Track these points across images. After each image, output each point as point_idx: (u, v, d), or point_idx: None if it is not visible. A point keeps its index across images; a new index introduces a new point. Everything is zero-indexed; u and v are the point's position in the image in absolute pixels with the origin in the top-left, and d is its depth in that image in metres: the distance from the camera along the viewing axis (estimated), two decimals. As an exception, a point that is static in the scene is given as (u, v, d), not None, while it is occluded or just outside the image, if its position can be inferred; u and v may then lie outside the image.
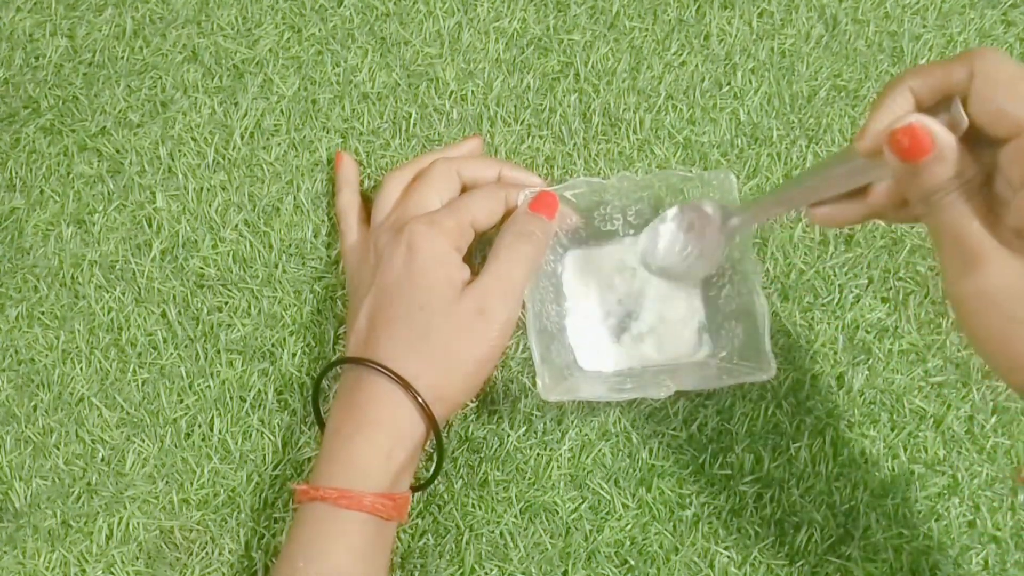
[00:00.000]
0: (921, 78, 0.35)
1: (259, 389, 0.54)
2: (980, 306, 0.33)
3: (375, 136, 0.58)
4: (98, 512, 0.52)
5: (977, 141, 0.34)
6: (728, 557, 0.50)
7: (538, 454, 0.52)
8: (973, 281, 0.33)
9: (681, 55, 0.59)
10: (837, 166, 0.39)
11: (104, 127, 0.59)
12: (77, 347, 0.55)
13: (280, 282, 0.55)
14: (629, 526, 0.51)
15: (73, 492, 0.52)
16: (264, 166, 0.57)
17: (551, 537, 0.51)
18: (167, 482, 0.52)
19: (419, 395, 0.46)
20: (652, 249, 0.51)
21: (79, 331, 0.55)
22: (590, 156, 0.57)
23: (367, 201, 0.56)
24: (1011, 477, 0.51)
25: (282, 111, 0.59)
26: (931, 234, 0.36)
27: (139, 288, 0.55)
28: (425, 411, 0.46)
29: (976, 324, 0.34)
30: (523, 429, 0.52)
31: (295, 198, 0.57)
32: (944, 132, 0.33)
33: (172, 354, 0.54)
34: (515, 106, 0.58)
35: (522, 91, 0.59)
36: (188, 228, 0.56)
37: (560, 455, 0.52)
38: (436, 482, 0.51)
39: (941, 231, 0.34)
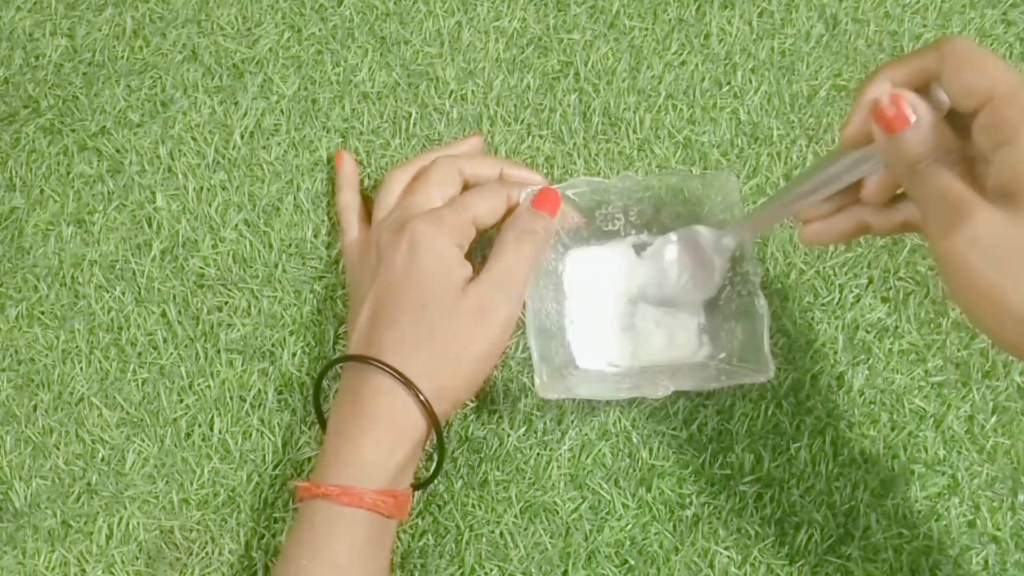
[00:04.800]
0: (897, 68, 0.37)
1: (259, 389, 0.54)
2: (968, 257, 0.33)
3: (375, 136, 0.58)
4: (98, 512, 0.52)
5: (953, 124, 0.36)
6: (728, 557, 0.50)
7: (538, 454, 0.52)
8: (960, 232, 0.33)
9: (681, 55, 0.59)
10: (827, 168, 0.40)
11: (104, 127, 0.58)
12: (77, 347, 0.54)
13: (280, 282, 0.55)
14: (629, 526, 0.51)
15: (73, 492, 0.52)
16: (264, 166, 0.57)
17: (551, 537, 0.51)
18: (167, 482, 0.52)
19: (421, 393, 0.46)
20: (651, 281, 0.52)
21: (79, 331, 0.55)
22: (590, 156, 0.57)
23: (367, 200, 0.56)
24: None
25: (282, 111, 0.59)
26: (919, 205, 0.36)
27: (139, 288, 0.55)
28: (427, 409, 0.46)
29: (964, 277, 0.34)
30: (523, 429, 0.52)
31: (295, 198, 0.57)
32: (922, 103, 0.36)
33: (172, 354, 0.54)
34: (515, 106, 0.58)
35: (522, 91, 0.59)
36: (188, 228, 0.56)
37: (560, 455, 0.52)
38: (436, 482, 0.51)
39: (927, 195, 0.35)
